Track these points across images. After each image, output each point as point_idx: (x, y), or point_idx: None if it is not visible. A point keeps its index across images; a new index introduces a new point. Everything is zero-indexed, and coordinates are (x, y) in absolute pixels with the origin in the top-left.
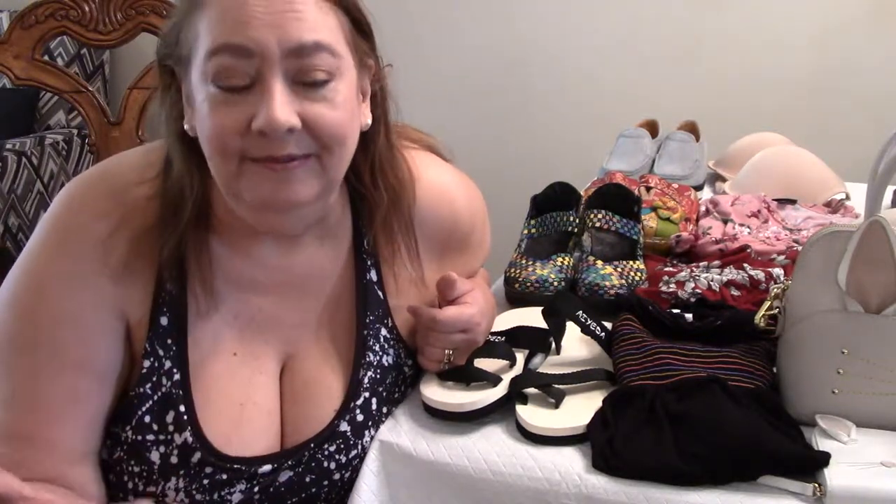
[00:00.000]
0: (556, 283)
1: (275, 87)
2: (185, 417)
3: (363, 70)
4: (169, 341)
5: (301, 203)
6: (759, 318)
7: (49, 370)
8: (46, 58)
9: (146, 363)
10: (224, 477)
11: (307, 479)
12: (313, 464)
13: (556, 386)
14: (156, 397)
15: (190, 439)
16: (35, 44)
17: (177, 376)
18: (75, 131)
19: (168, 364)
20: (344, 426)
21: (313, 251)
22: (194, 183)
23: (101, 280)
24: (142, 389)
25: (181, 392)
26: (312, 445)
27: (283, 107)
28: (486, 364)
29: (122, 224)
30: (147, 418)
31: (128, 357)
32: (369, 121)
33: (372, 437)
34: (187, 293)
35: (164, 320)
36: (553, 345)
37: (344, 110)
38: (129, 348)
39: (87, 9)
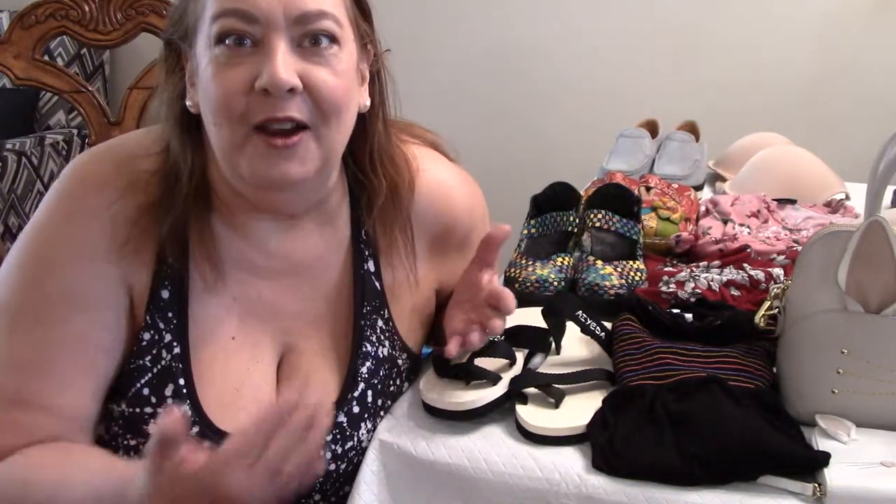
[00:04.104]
0: (556, 283)
1: (278, 48)
2: (185, 391)
3: (363, 52)
4: (170, 314)
5: (299, 181)
6: (759, 318)
7: (55, 342)
8: (46, 58)
9: (146, 336)
10: None
11: None
12: None
13: (556, 386)
14: (155, 370)
15: (189, 412)
16: (35, 44)
17: (177, 349)
18: (75, 131)
19: (168, 337)
20: (341, 417)
21: (312, 238)
22: (190, 161)
23: (107, 253)
24: (141, 362)
25: (181, 365)
26: None
27: (286, 66)
28: (485, 363)
29: (126, 194)
30: (146, 391)
31: (130, 331)
32: (368, 103)
33: (369, 431)
34: (189, 270)
35: (164, 293)
36: (553, 345)
37: (344, 79)
38: (131, 322)
39: (87, 9)
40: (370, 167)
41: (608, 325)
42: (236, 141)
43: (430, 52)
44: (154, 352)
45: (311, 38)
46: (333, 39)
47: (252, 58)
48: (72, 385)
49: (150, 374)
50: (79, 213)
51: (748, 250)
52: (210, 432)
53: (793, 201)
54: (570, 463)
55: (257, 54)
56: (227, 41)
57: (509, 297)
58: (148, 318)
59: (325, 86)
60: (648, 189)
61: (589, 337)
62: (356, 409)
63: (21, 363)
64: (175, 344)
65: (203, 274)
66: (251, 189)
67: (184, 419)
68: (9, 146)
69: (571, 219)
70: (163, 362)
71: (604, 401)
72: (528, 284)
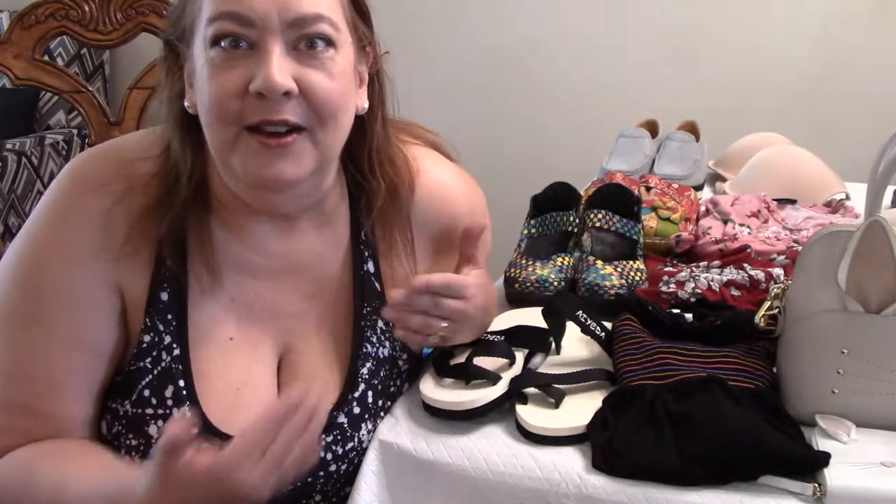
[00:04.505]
0: (556, 283)
1: (273, 51)
2: (185, 392)
3: (361, 54)
4: (169, 317)
5: (292, 181)
6: (759, 318)
7: (44, 344)
8: (46, 58)
9: (146, 338)
10: None
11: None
12: None
13: (556, 386)
14: (155, 371)
15: (191, 414)
16: (35, 44)
17: (176, 351)
18: (75, 131)
19: (168, 339)
20: (342, 418)
21: (311, 239)
22: (190, 162)
23: (101, 255)
24: (142, 364)
25: (180, 367)
26: None
27: (280, 70)
28: (485, 363)
29: (124, 198)
30: (146, 392)
31: (123, 334)
32: (366, 105)
33: (369, 431)
34: (188, 272)
35: (164, 296)
36: (553, 345)
37: (340, 82)
38: (124, 325)
39: (87, 9)
40: (369, 169)
41: (608, 325)
42: (228, 141)
43: (430, 52)
44: (154, 354)
45: (306, 42)
46: (329, 42)
47: (247, 60)
48: (63, 388)
49: (150, 376)
50: (74, 213)
51: (748, 250)
52: (210, 433)
53: (793, 201)
54: (570, 463)
55: (252, 57)
56: (222, 43)
57: (450, 282)
58: (147, 320)
59: (320, 88)
60: (648, 189)
61: (589, 337)
62: (356, 410)
63: (12, 366)
64: (175, 346)
65: (199, 276)
66: (247, 190)
67: (191, 422)
68: (9, 146)
69: (571, 219)
70: (163, 364)
71: (604, 401)
72: (528, 284)
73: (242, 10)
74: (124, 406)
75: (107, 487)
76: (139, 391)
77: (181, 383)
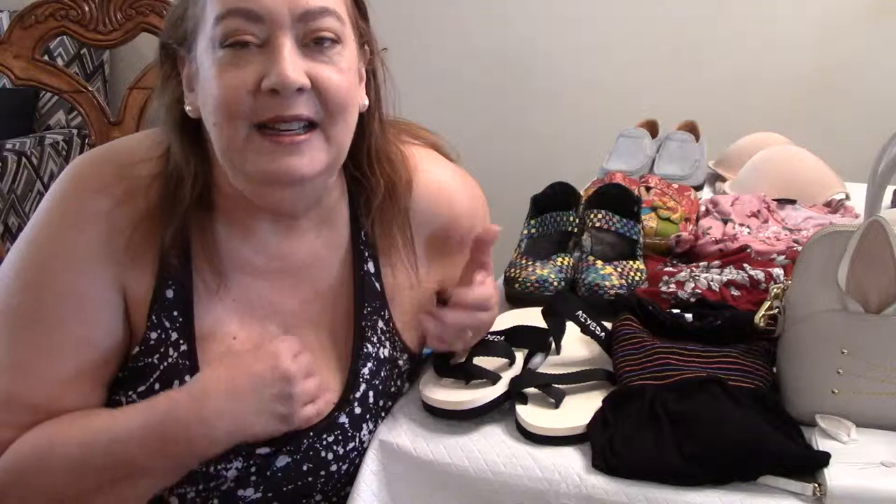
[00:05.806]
0: (556, 283)
1: (285, 47)
2: None
3: (361, 52)
4: (175, 313)
5: (306, 176)
6: (759, 318)
7: (51, 345)
8: (46, 58)
9: (153, 335)
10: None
11: (304, 468)
12: (311, 452)
13: (556, 386)
14: (162, 367)
15: None
16: (35, 44)
17: (183, 347)
18: (75, 131)
19: (175, 335)
20: (343, 418)
21: (311, 239)
22: (192, 164)
23: (105, 256)
24: (150, 360)
25: (187, 363)
26: (311, 434)
27: (294, 65)
28: (485, 363)
29: (125, 200)
30: (157, 386)
31: (128, 331)
32: (366, 102)
33: (370, 431)
34: (192, 271)
35: (169, 293)
36: (553, 345)
37: (347, 77)
38: (128, 323)
39: (87, 9)
40: (367, 166)
41: (608, 325)
42: (238, 140)
43: (429, 52)
44: (161, 350)
45: (315, 38)
46: (336, 38)
47: (258, 58)
48: (70, 387)
49: (158, 371)
50: (76, 216)
51: (748, 250)
52: None
53: (793, 201)
54: (570, 463)
55: (263, 54)
56: (231, 43)
57: (484, 296)
58: (154, 317)
59: (331, 83)
60: (648, 189)
61: (589, 337)
62: (357, 410)
63: (19, 366)
64: (181, 342)
65: (204, 276)
66: (253, 187)
67: None
68: (9, 146)
69: (571, 219)
70: (169, 360)
71: (604, 401)
72: (528, 284)
73: (251, 6)
74: (130, 398)
75: (149, 417)
76: (148, 386)
77: (187, 379)
